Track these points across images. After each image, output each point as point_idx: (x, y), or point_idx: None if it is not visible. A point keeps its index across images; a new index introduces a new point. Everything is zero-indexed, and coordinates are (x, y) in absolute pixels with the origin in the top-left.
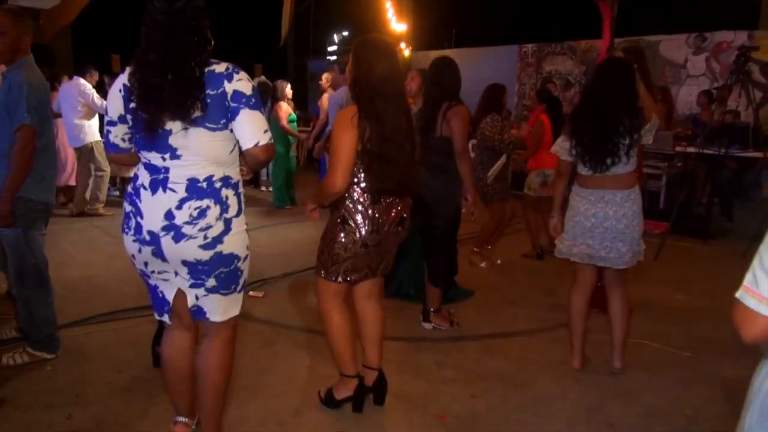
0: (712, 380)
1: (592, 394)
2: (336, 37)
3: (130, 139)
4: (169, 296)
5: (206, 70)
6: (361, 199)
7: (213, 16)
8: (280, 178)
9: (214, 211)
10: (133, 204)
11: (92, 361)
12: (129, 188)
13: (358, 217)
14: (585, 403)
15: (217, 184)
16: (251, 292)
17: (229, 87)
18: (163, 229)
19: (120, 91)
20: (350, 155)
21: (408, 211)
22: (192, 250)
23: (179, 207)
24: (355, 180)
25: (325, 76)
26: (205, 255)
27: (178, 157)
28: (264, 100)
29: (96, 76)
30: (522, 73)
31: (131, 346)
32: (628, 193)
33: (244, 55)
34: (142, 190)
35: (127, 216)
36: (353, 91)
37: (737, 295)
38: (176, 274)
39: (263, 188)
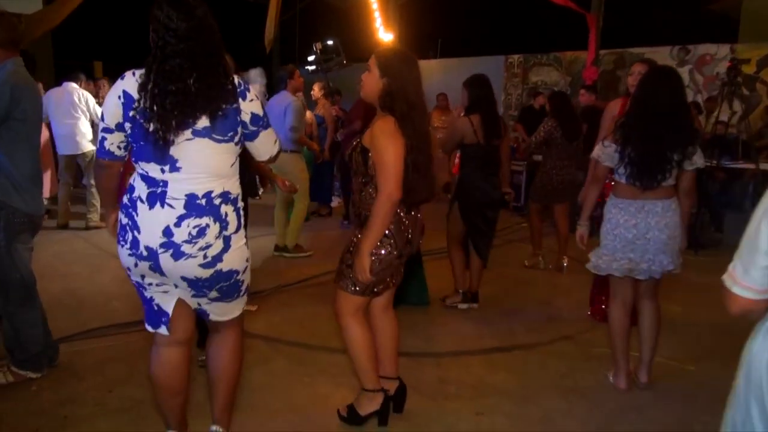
0: (717, 394)
1: (599, 410)
2: (315, 47)
3: (125, 147)
4: (168, 307)
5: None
6: (397, 211)
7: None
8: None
9: (214, 229)
10: (130, 217)
11: (81, 381)
12: (124, 199)
13: (394, 229)
14: (593, 421)
15: (217, 201)
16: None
17: (245, 106)
18: (162, 246)
19: (120, 98)
20: (401, 164)
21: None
22: (191, 268)
23: (177, 224)
24: None
25: (316, 86)
26: (205, 273)
27: (177, 170)
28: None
29: (84, 81)
30: (508, 84)
31: (122, 364)
32: (669, 203)
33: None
34: (138, 203)
35: (123, 228)
36: (384, 103)
37: (723, 277)
38: (176, 286)
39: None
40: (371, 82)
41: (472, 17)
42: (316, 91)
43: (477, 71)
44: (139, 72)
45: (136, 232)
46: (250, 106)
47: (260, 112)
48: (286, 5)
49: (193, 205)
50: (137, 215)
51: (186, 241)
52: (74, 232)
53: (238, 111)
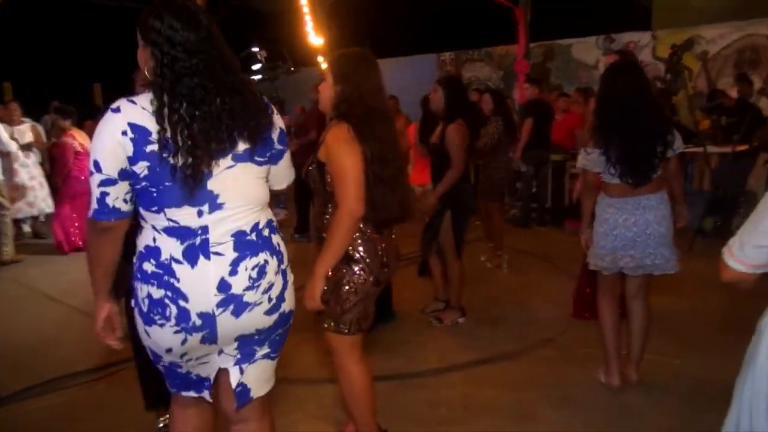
0: (716, 388)
1: (598, 418)
2: (260, 55)
3: (131, 199)
4: (211, 373)
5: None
6: (367, 231)
7: (127, 33)
8: None
9: (273, 264)
10: (167, 287)
11: None
12: (147, 267)
13: (366, 252)
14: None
15: (266, 232)
16: None
17: (276, 120)
18: (220, 304)
19: (125, 134)
20: (360, 173)
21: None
22: (256, 319)
23: (233, 272)
24: None
25: None
26: (269, 321)
27: (219, 207)
28: None
29: None
30: None
31: (73, 424)
32: (662, 195)
33: None
34: (174, 265)
35: (158, 304)
36: (340, 111)
37: (722, 249)
38: (220, 353)
39: None
40: (326, 91)
41: (401, 17)
42: None
43: (410, 70)
44: (143, 98)
45: (182, 302)
46: (278, 121)
47: (284, 128)
48: (212, 12)
49: (244, 243)
50: (178, 281)
51: (248, 288)
52: None
53: (271, 127)
